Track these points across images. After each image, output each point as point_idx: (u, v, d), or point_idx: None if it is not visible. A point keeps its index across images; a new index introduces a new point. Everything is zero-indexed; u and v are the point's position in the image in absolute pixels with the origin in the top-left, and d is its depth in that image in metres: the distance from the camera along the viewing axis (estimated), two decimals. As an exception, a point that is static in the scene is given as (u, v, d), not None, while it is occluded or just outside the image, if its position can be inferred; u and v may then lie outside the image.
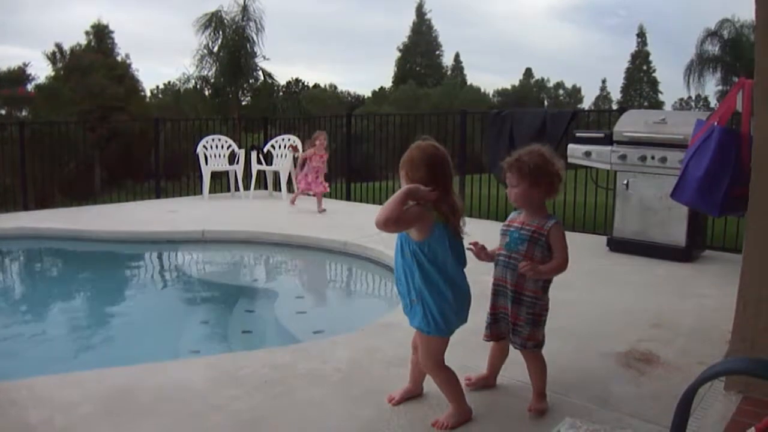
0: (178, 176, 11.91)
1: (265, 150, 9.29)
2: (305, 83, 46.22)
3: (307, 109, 33.41)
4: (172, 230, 6.44)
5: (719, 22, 28.34)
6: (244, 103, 29.40)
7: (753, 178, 2.51)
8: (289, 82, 43.27)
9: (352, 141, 9.27)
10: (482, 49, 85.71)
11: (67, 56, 28.35)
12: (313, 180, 7.67)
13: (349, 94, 49.34)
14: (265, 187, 9.41)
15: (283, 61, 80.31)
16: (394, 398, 2.51)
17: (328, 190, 7.96)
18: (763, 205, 2.46)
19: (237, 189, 9.07)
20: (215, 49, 26.69)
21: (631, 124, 5.37)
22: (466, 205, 7.52)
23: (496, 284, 2.52)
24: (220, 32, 26.53)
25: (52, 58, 28.38)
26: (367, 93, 49.04)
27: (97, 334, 4.20)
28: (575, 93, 55.30)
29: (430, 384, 2.50)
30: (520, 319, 2.44)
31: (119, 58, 30.44)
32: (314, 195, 7.85)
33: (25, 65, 29.20)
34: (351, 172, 9.17)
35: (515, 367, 2.66)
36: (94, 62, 26.42)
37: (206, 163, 8.90)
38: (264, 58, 27.83)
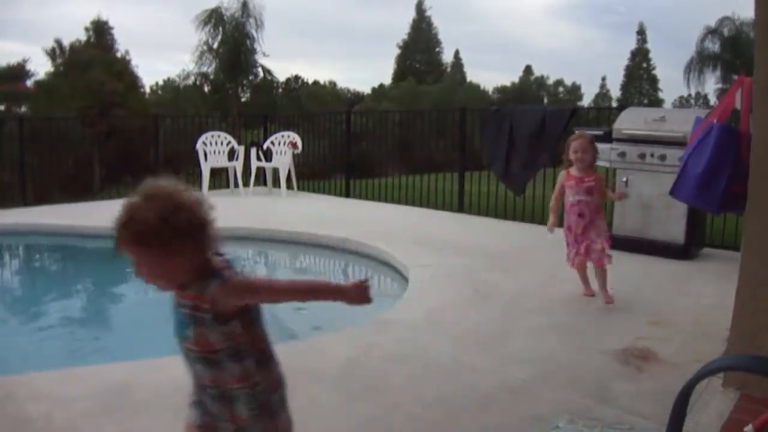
0: (177, 173, 11.89)
1: (264, 146, 9.28)
2: (305, 80, 46.22)
3: (306, 105, 33.46)
4: (171, 226, 6.42)
5: (719, 20, 28.42)
6: (243, 99, 29.47)
7: (751, 175, 2.51)
8: (288, 79, 43.28)
9: (351, 138, 9.28)
10: (482, 46, 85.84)
11: (66, 52, 28.28)
12: (580, 233, 3.80)
13: (348, 90, 49.26)
14: (265, 184, 9.40)
15: (282, 58, 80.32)
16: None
17: (608, 248, 3.84)
18: (762, 203, 2.46)
19: (236, 185, 9.06)
20: (215, 46, 26.76)
21: (631, 121, 5.37)
22: (465, 202, 7.52)
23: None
24: (220, 28, 26.60)
25: (52, 54, 28.30)
26: (366, 90, 48.96)
27: (96, 330, 4.20)
28: (575, 90, 55.26)
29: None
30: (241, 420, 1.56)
31: (119, 55, 30.35)
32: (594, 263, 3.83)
33: (25, 61, 29.16)
34: (350, 169, 9.17)
35: (515, 366, 2.66)
36: (94, 58, 26.35)
37: (205, 160, 8.89)
38: (264, 54, 27.94)
